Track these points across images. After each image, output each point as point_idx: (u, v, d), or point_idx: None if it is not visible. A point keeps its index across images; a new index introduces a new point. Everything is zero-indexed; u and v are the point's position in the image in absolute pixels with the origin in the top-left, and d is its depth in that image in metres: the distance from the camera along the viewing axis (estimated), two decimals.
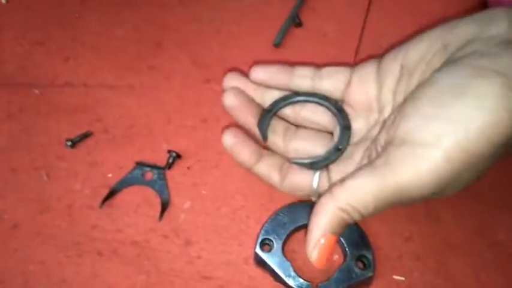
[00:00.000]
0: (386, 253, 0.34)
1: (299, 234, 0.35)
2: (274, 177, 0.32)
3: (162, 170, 0.38)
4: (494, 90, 0.22)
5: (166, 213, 0.37)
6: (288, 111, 0.35)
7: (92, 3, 0.49)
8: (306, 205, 0.35)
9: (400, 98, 0.29)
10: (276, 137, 0.34)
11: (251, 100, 0.34)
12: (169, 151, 0.39)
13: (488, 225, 0.35)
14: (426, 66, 0.27)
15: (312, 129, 0.35)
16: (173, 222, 0.36)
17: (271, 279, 0.33)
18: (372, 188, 0.25)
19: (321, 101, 0.34)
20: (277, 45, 0.45)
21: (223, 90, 0.34)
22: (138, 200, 0.37)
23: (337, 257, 0.34)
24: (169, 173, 0.39)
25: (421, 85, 0.25)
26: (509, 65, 0.22)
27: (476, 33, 0.25)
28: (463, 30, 0.26)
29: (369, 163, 0.26)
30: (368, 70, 0.31)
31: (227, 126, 0.41)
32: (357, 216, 0.26)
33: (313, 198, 0.33)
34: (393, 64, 0.29)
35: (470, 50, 0.24)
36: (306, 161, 0.32)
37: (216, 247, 0.35)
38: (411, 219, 0.36)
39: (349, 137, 0.32)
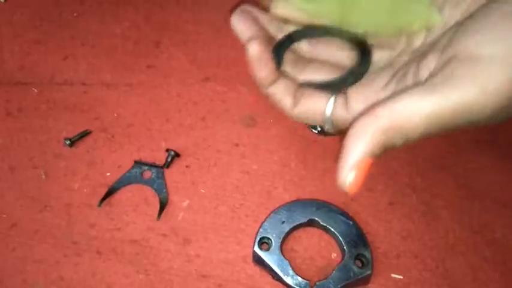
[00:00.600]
0: (385, 251, 0.34)
1: (297, 233, 0.35)
2: (287, 100, 0.29)
3: (160, 168, 0.39)
4: None
5: (164, 212, 0.37)
6: (304, 45, 0.32)
7: (90, 2, 0.49)
8: (305, 204, 0.35)
9: (437, 30, 0.27)
10: (286, 66, 0.31)
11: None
12: (167, 150, 0.39)
13: (486, 224, 0.35)
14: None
15: (326, 63, 0.31)
16: (172, 221, 0.36)
17: (269, 277, 0.33)
18: (427, 107, 0.22)
19: (341, 32, 0.30)
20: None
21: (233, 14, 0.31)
22: (137, 198, 0.37)
23: (335, 256, 0.34)
24: (167, 172, 0.39)
25: (483, 10, 0.24)
26: None
27: None
28: None
29: (420, 83, 0.24)
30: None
31: (226, 124, 0.41)
32: (401, 141, 0.23)
33: (327, 128, 0.30)
34: None
35: None
36: (319, 82, 0.29)
37: (214, 246, 0.35)
38: (409, 218, 0.36)
39: (369, 61, 0.29)
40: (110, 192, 0.37)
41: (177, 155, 0.39)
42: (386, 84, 0.27)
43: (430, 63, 0.25)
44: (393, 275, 0.34)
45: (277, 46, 0.30)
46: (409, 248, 0.35)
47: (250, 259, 0.34)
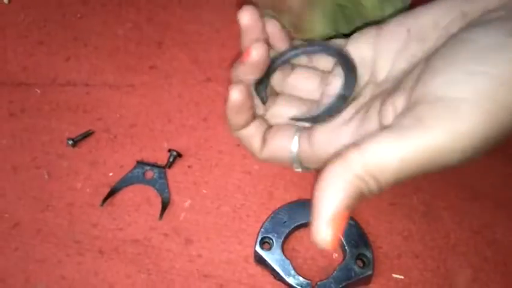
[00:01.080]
0: (386, 252, 0.35)
1: (299, 233, 0.35)
2: (256, 141, 0.29)
3: (162, 168, 0.39)
4: None
5: (166, 212, 0.37)
6: (276, 76, 0.31)
7: (93, 3, 0.50)
8: (306, 204, 0.35)
9: (402, 64, 0.27)
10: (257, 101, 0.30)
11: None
12: (169, 150, 0.39)
13: (487, 224, 0.35)
14: (443, 31, 0.25)
15: (295, 96, 0.31)
16: (174, 221, 0.36)
17: (271, 277, 0.34)
18: (398, 152, 0.21)
19: (320, 47, 0.29)
20: None
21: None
22: (139, 198, 0.38)
23: (337, 256, 0.34)
24: (169, 172, 0.39)
25: (452, 44, 0.23)
26: None
27: (497, 3, 0.24)
28: (484, 0, 0.24)
29: (387, 122, 0.23)
30: (366, 34, 0.29)
31: (228, 126, 0.41)
32: (375, 188, 0.22)
33: (295, 168, 0.29)
34: (398, 29, 0.27)
35: (495, 16, 0.23)
36: (311, 116, 0.28)
37: (216, 246, 0.35)
38: (410, 218, 0.36)
39: (355, 82, 0.28)
40: (112, 192, 0.37)
41: (179, 155, 0.39)
42: (350, 119, 0.27)
43: (397, 103, 0.24)
44: (394, 275, 0.34)
45: (259, 82, 0.29)
46: (410, 248, 0.35)
47: (251, 259, 0.34)
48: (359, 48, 0.29)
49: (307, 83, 0.31)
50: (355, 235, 0.34)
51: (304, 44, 0.31)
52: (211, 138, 0.41)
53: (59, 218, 0.37)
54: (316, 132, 0.27)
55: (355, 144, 0.22)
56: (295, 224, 0.35)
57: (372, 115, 0.25)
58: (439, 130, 0.21)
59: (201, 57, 0.46)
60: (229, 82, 0.44)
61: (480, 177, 0.38)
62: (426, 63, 0.24)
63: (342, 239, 0.34)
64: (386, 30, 0.28)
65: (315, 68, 0.31)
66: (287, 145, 0.28)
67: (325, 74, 0.31)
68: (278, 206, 0.36)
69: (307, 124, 0.29)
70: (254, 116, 0.29)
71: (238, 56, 0.45)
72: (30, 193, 0.38)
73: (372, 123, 0.25)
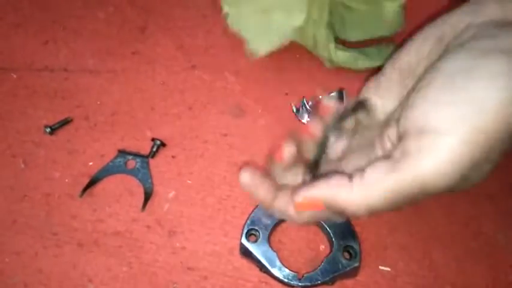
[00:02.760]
0: (373, 244, 0.34)
1: (285, 225, 0.35)
2: (291, 211, 0.29)
3: (145, 158, 0.37)
4: (503, 69, 0.21)
5: (149, 203, 0.36)
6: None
7: None
8: None
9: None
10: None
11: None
12: (153, 139, 0.38)
13: (473, 217, 0.36)
14: (426, 62, 0.27)
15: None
16: (157, 212, 0.35)
17: (256, 270, 0.33)
18: (388, 182, 0.23)
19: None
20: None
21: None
22: (120, 189, 0.36)
23: (324, 247, 0.34)
24: (153, 162, 0.38)
25: (426, 74, 0.25)
26: (511, 43, 0.22)
27: (469, 21, 0.25)
28: (456, 20, 0.26)
29: (387, 156, 0.25)
30: (369, 85, 0.31)
31: (213, 114, 0.40)
32: (364, 211, 0.24)
33: (334, 218, 0.29)
34: (392, 73, 0.29)
35: (468, 36, 0.24)
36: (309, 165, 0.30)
37: (200, 238, 0.34)
38: (397, 211, 0.36)
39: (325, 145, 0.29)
40: (92, 182, 0.36)
41: (162, 144, 0.38)
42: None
43: (391, 135, 0.27)
44: (381, 267, 0.33)
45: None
46: (397, 240, 0.35)
47: (237, 251, 0.34)
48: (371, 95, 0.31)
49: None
50: (342, 227, 0.33)
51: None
52: (197, 127, 0.39)
53: (36, 209, 0.35)
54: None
55: (360, 169, 0.25)
56: None
57: (377, 146, 0.28)
58: (421, 161, 0.22)
59: (186, 43, 0.44)
60: (215, 70, 0.43)
61: None
62: (407, 96, 0.26)
63: (330, 230, 0.33)
64: (383, 79, 0.30)
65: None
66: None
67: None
68: None
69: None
70: (277, 188, 0.29)
71: (224, 43, 0.44)
72: (5, 182, 0.36)
73: (377, 154, 0.28)
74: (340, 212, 0.25)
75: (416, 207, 0.36)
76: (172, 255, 0.34)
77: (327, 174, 0.26)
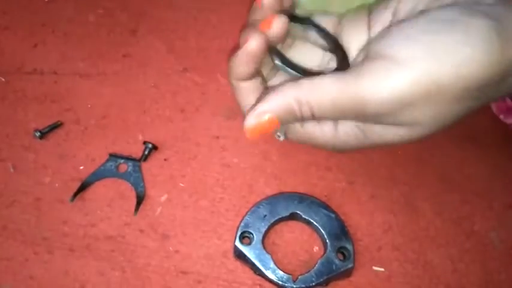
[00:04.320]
0: (366, 244, 0.34)
1: (279, 227, 0.35)
2: (249, 100, 0.29)
3: (137, 162, 0.37)
4: (482, 31, 0.22)
5: (142, 207, 0.35)
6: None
7: None
8: (286, 197, 0.35)
9: None
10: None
11: None
12: (145, 142, 0.38)
13: (466, 216, 0.36)
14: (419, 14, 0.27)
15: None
16: (149, 216, 0.35)
17: (251, 272, 0.33)
18: (332, 91, 0.24)
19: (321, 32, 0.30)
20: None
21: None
22: (112, 193, 0.36)
23: (318, 249, 0.34)
24: (145, 165, 0.37)
25: (412, 16, 0.25)
26: (503, 13, 0.22)
27: None
28: None
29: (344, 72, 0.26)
30: (359, 17, 0.30)
31: (206, 117, 0.40)
32: (308, 114, 0.25)
33: (277, 136, 0.30)
34: (385, 13, 0.29)
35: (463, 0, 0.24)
36: (296, 63, 0.29)
37: (194, 241, 0.34)
38: (390, 211, 0.36)
39: (347, 67, 0.28)
40: (83, 187, 0.36)
41: (154, 147, 0.38)
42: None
43: (359, 58, 0.27)
44: (375, 268, 0.33)
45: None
46: (391, 241, 0.35)
47: (231, 254, 0.33)
48: (357, 29, 0.30)
49: (307, 59, 0.31)
50: (336, 228, 0.33)
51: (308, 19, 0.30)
52: (189, 130, 0.39)
53: (26, 214, 0.35)
54: None
55: (314, 77, 0.25)
56: (276, 218, 0.34)
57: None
58: (364, 80, 0.23)
59: (177, 45, 0.44)
60: (207, 72, 0.43)
61: (459, 170, 0.38)
62: (386, 28, 0.27)
63: (323, 232, 0.33)
64: (375, 13, 0.29)
65: (311, 42, 0.31)
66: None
67: (324, 52, 0.31)
68: (258, 199, 0.35)
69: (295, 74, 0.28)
70: (258, 72, 0.29)
71: (215, 45, 0.44)
72: None
73: None
74: (294, 119, 0.26)
75: (408, 208, 0.36)
76: (166, 259, 0.33)
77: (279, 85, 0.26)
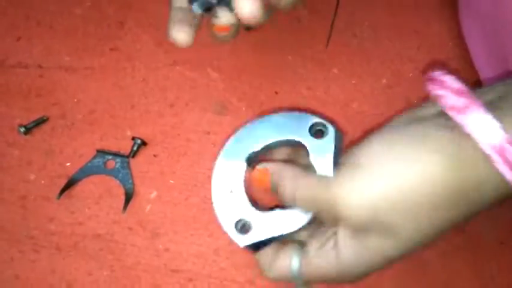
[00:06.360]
0: None
1: None
2: (267, 262, 0.29)
3: (125, 158, 0.36)
4: (443, 145, 0.23)
5: (130, 204, 0.34)
6: None
7: None
8: None
9: None
10: None
11: None
12: (133, 138, 0.37)
13: None
14: None
15: None
16: (138, 214, 0.34)
17: (243, 270, 0.32)
18: (313, 188, 0.26)
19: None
20: (248, 29, 0.43)
21: None
22: (100, 190, 0.35)
23: None
24: (133, 162, 0.36)
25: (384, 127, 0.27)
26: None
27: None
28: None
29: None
30: None
31: (196, 112, 0.39)
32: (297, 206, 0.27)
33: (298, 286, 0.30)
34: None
35: (431, 113, 0.25)
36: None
37: (184, 239, 0.34)
38: None
39: None
40: (70, 184, 0.35)
41: (143, 143, 0.37)
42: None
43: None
44: None
45: None
46: None
47: (222, 252, 0.33)
48: None
49: None
50: None
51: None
52: (179, 125, 0.38)
53: (11, 212, 0.34)
54: (311, 249, 0.29)
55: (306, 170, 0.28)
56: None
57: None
58: (336, 187, 0.25)
59: (166, 39, 0.43)
60: (197, 66, 0.42)
61: None
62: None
63: None
64: None
65: None
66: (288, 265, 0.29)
67: None
68: None
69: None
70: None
71: (205, 38, 0.43)
72: None
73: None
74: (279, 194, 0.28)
75: None
76: (156, 257, 0.33)
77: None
